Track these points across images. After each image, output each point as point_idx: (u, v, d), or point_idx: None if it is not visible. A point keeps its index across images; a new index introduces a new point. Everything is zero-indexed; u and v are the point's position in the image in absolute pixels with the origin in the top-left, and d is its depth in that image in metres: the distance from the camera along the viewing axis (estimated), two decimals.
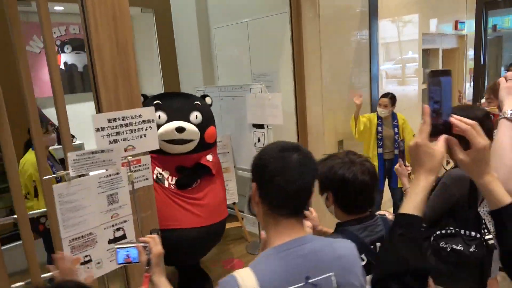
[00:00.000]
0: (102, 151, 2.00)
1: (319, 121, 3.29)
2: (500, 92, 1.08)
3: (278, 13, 3.32)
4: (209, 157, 2.73)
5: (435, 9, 4.74)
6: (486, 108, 1.97)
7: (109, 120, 2.10)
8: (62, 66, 4.03)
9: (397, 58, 4.16)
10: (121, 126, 2.18)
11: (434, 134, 0.80)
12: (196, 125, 2.59)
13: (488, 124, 1.53)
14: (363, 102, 3.30)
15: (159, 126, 2.40)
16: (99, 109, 2.17)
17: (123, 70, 2.17)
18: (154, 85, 4.46)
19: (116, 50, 2.13)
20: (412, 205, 0.77)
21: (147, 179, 2.31)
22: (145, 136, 2.29)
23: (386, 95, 3.45)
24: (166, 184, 2.61)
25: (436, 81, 0.80)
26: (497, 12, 6.70)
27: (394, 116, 3.48)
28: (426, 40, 4.81)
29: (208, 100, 2.93)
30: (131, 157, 2.19)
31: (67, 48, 4.04)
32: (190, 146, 2.60)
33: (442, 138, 0.80)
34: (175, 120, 2.52)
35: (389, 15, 3.92)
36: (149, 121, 2.31)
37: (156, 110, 2.41)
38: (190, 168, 2.67)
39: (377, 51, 3.72)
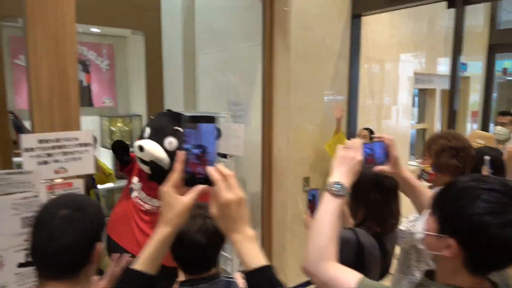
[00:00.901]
0: (21, 173, 1.97)
1: (284, 156, 3.19)
2: (334, 160, 0.99)
3: (255, 44, 3.29)
4: None
5: (432, 49, 4.61)
6: (422, 166, 1.84)
7: (40, 141, 2.08)
8: None
9: (384, 96, 4.04)
10: (53, 147, 2.15)
11: (190, 183, 0.74)
12: (169, 152, 2.43)
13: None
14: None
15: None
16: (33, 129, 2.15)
17: (61, 92, 2.15)
18: (139, 106, 4.50)
19: (56, 71, 2.13)
20: (141, 259, 0.69)
21: None
22: (80, 160, 2.26)
23: (366, 128, 3.61)
24: (133, 195, 2.55)
25: (193, 126, 0.75)
26: (506, 56, 6.48)
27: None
28: (420, 80, 4.68)
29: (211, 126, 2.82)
30: (57, 180, 2.16)
31: None
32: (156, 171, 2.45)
33: (195, 189, 0.74)
34: (152, 139, 2.45)
35: (376, 53, 3.83)
36: (85, 145, 2.28)
37: (147, 125, 2.53)
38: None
39: (357, 89, 3.62)
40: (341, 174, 0.98)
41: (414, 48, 4.34)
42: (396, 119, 4.24)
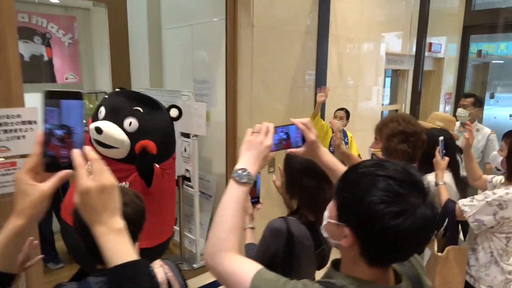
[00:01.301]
0: None
1: None
2: (242, 145, 0.93)
3: (220, 19, 3.16)
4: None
5: (405, 29, 4.54)
6: (372, 149, 1.80)
7: None
8: None
9: (353, 76, 3.98)
10: None
11: (52, 168, 0.66)
12: (129, 133, 2.30)
13: None
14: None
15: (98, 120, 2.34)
16: None
17: None
18: (105, 82, 4.33)
19: None
20: None
21: None
22: (23, 138, 2.15)
23: (341, 109, 3.62)
24: None
25: (54, 102, 0.66)
26: (484, 38, 6.49)
27: (344, 133, 3.59)
28: (392, 60, 4.63)
29: (172, 112, 2.64)
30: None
31: None
32: (115, 154, 2.32)
33: (58, 174, 0.67)
34: (108, 120, 2.31)
35: (346, 32, 3.74)
36: (30, 122, 2.17)
37: (101, 104, 2.39)
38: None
39: (325, 68, 3.55)
40: (248, 160, 0.92)
41: (385, 27, 4.26)
42: (366, 99, 4.21)
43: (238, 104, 3.15)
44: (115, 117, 2.31)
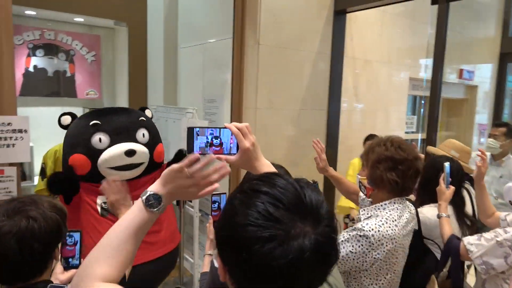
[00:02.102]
0: None
1: None
2: None
3: (228, 38, 3.12)
4: None
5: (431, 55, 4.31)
6: (359, 176, 1.60)
7: None
8: (31, 69, 4.08)
9: (371, 101, 3.78)
10: None
11: None
12: (144, 145, 2.17)
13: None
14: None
15: (100, 151, 1.98)
16: None
17: None
18: (124, 99, 4.41)
19: None
20: None
21: (10, 192, 2.16)
22: (13, 146, 2.14)
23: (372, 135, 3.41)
24: (105, 216, 2.13)
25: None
26: None
27: None
28: (418, 86, 4.39)
29: (148, 113, 2.55)
30: None
31: (39, 52, 4.10)
32: (140, 170, 2.16)
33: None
34: (121, 142, 2.05)
35: (363, 54, 3.59)
36: (20, 131, 2.17)
37: (94, 132, 2.01)
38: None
39: (339, 91, 3.39)
40: (157, 183, 0.83)
41: (410, 51, 4.06)
42: (386, 126, 3.97)
43: (243, 120, 3.04)
44: (126, 134, 2.11)
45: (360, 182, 1.59)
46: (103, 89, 4.55)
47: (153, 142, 2.24)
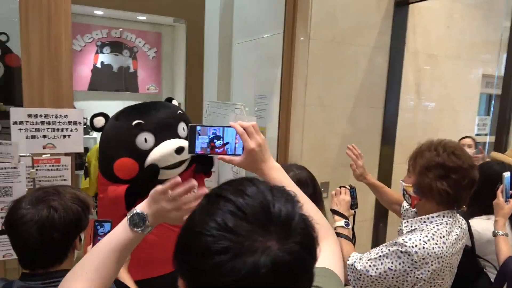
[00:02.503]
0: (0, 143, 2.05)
1: (298, 157, 2.91)
2: None
3: (280, 32, 3.05)
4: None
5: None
6: (403, 183, 1.43)
7: (29, 115, 2.15)
8: (98, 65, 4.37)
9: (435, 99, 3.47)
10: (42, 123, 2.21)
11: None
12: (185, 139, 2.07)
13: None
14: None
15: (146, 152, 1.86)
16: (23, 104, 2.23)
17: (51, 68, 2.19)
18: (179, 95, 4.54)
19: (47, 48, 2.17)
20: None
21: (65, 179, 2.31)
22: (69, 137, 2.29)
23: (467, 137, 3.38)
24: None
25: None
26: None
27: None
28: (492, 83, 3.95)
29: (175, 103, 2.48)
30: (45, 155, 2.21)
31: (106, 49, 4.37)
32: (184, 167, 2.07)
33: None
34: (166, 139, 1.94)
35: (427, 48, 3.29)
36: (75, 123, 2.30)
37: (138, 132, 1.88)
38: None
39: (398, 88, 3.15)
40: (144, 203, 0.82)
41: (484, 45, 3.65)
42: (453, 127, 3.62)
43: (291, 120, 2.96)
44: (169, 131, 1.98)
45: (404, 189, 1.43)
46: (163, 84, 4.74)
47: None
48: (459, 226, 1.35)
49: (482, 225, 1.63)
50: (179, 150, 1.90)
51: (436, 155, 1.32)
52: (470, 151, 3.07)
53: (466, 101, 3.68)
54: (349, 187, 1.60)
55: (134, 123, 1.90)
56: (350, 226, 1.48)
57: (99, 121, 2.05)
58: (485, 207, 1.60)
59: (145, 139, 1.88)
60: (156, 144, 1.91)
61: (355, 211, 1.59)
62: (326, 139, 2.95)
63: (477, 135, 4.12)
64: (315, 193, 1.48)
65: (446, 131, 3.58)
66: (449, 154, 1.31)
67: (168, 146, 1.90)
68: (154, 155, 1.87)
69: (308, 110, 2.83)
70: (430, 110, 3.45)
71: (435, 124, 3.51)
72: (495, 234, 1.52)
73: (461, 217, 1.39)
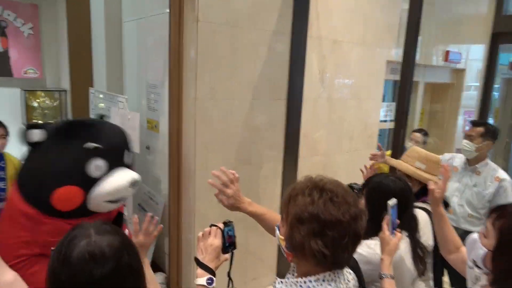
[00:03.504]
0: None
1: (191, 157, 2.57)
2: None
3: (167, 12, 2.60)
4: None
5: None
6: (278, 233, 1.10)
7: None
8: None
9: (340, 87, 3.32)
10: None
11: None
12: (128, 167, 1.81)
13: None
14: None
15: (95, 181, 1.58)
16: None
17: None
18: (64, 81, 3.89)
19: None
20: None
21: None
22: None
23: (419, 130, 3.72)
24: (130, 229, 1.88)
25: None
26: None
27: None
28: (397, 69, 3.92)
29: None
30: None
31: None
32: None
33: None
34: (117, 168, 1.65)
35: (332, 34, 3.10)
36: None
37: (92, 156, 1.57)
38: (113, 221, 1.80)
39: (301, 77, 2.92)
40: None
41: (388, 30, 3.57)
42: (358, 114, 3.53)
43: (183, 114, 2.59)
44: (118, 158, 1.68)
45: (279, 241, 1.11)
46: (45, 68, 4.02)
47: (132, 163, 1.84)
48: (346, 284, 1.06)
49: (371, 250, 1.46)
50: (134, 183, 1.66)
51: (310, 203, 0.98)
52: (418, 146, 3.02)
53: (371, 89, 3.61)
54: (223, 225, 1.25)
55: (87, 146, 1.57)
56: (213, 285, 1.16)
57: (36, 135, 1.60)
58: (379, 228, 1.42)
59: (97, 166, 1.58)
60: (107, 172, 1.61)
61: (232, 253, 1.27)
62: (223, 135, 2.64)
63: (383, 121, 4.13)
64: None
65: (352, 120, 3.48)
66: (325, 202, 0.96)
67: (123, 178, 1.64)
68: (107, 187, 1.59)
69: (200, 104, 2.48)
70: (336, 99, 3.30)
71: (341, 114, 3.38)
72: (381, 277, 1.34)
73: (349, 272, 1.13)
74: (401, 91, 2.55)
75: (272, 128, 2.88)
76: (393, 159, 1.98)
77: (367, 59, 3.45)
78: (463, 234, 2.56)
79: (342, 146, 3.47)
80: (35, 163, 1.60)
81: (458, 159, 2.79)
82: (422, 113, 4.79)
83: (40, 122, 1.72)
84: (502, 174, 2.60)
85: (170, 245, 2.78)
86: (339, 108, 3.34)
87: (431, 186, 1.47)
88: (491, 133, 2.61)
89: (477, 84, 5.08)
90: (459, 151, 3.40)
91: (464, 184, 2.68)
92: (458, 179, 2.71)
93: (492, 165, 2.67)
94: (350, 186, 1.89)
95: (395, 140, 2.75)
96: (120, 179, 1.63)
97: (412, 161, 1.87)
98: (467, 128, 5.09)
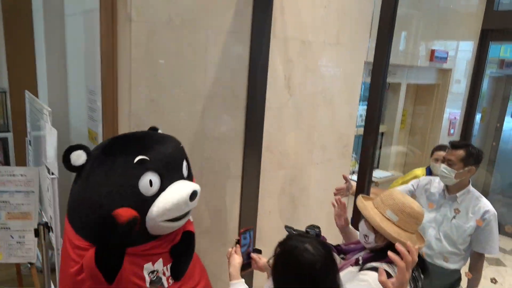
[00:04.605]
0: None
1: None
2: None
3: (96, 8, 2.19)
4: (190, 217, 1.76)
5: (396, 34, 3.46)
6: None
7: None
8: None
9: (311, 93, 2.95)
10: None
11: None
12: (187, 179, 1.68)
13: None
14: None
15: (149, 199, 1.44)
16: None
17: None
18: (2, 80, 3.44)
19: None
20: None
21: None
22: None
23: (440, 146, 3.19)
24: (166, 284, 1.61)
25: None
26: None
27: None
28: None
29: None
30: None
31: None
32: (187, 217, 1.68)
33: None
34: (172, 182, 1.52)
35: (299, 34, 2.71)
36: None
37: (143, 171, 1.43)
38: (180, 243, 1.69)
39: (264, 82, 2.55)
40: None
41: (365, 29, 3.19)
42: (331, 121, 3.18)
43: (119, 128, 2.20)
44: (175, 171, 1.56)
45: None
46: None
47: (190, 174, 1.74)
48: None
49: None
50: (193, 195, 1.51)
51: None
52: (437, 165, 2.72)
53: (347, 93, 3.25)
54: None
55: (137, 159, 1.43)
56: None
57: (79, 157, 1.49)
58: None
59: (150, 182, 1.44)
60: (162, 188, 1.47)
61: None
62: None
63: (360, 126, 3.78)
64: None
65: (323, 129, 3.13)
66: None
67: (181, 191, 1.49)
68: (163, 204, 1.44)
69: (135, 120, 2.09)
70: (305, 107, 2.93)
71: (311, 123, 3.02)
72: None
73: None
74: (372, 94, 2.21)
75: (229, 142, 2.51)
76: (361, 200, 1.60)
77: (341, 61, 3.07)
78: (439, 272, 2.24)
79: (314, 158, 3.12)
80: (82, 191, 1.45)
81: (437, 184, 2.45)
82: (403, 114, 4.46)
83: (79, 144, 1.50)
84: (485, 204, 2.26)
85: None
86: (309, 117, 2.98)
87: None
88: (474, 157, 2.26)
89: (464, 84, 4.75)
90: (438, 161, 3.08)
91: (443, 214, 2.34)
92: (435, 208, 2.37)
93: (475, 193, 2.32)
94: (307, 231, 1.66)
95: (364, 150, 2.41)
96: (176, 193, 1.47)
97: (383, 209, 1.51)
98: (452, 131, 4.78)
